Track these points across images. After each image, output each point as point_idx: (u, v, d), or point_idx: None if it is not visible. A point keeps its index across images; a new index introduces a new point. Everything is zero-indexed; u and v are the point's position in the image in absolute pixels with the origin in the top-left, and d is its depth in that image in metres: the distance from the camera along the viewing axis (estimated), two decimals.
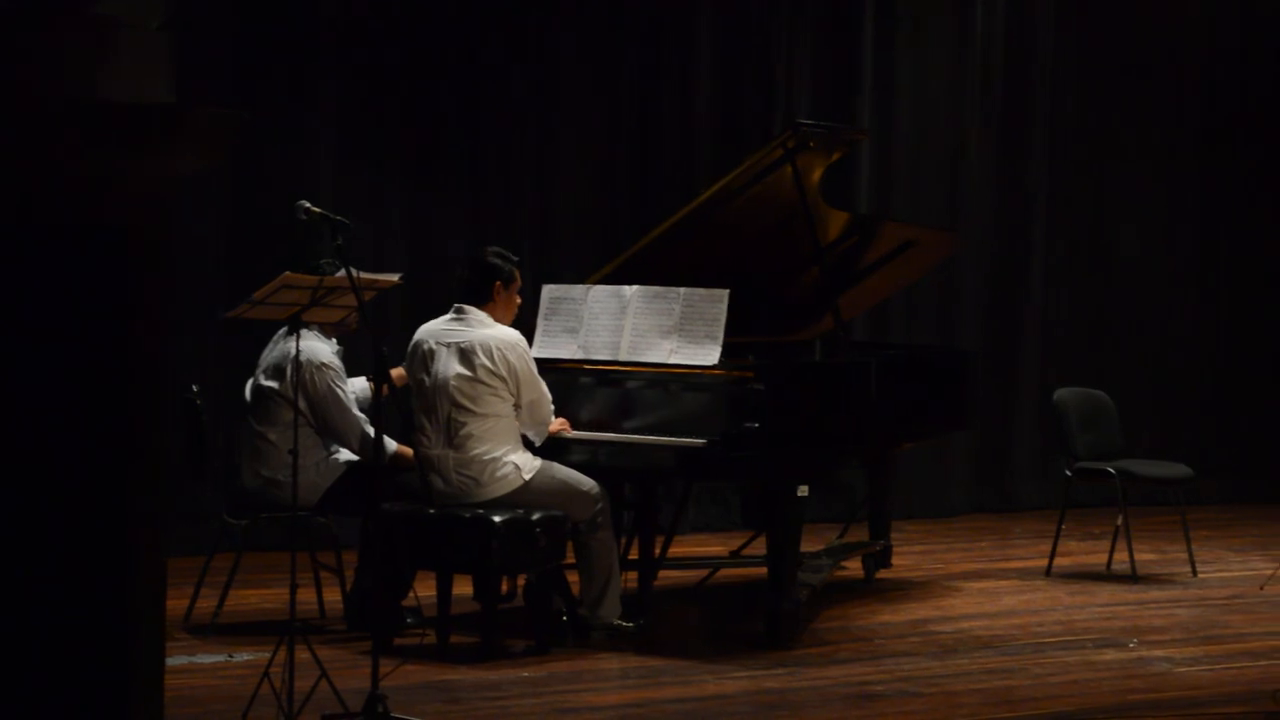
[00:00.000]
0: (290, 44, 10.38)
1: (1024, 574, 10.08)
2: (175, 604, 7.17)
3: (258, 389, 8.00)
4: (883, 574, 9.76)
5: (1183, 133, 13.34)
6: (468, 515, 7.48)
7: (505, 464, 7.61)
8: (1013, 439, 12.80)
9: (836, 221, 8.88)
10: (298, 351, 6.79)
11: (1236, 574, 10.18)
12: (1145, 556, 10.29)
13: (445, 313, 7.80)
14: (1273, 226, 13.27)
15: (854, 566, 9.65)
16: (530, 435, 7.78)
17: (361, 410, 7.95)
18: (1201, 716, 6.83)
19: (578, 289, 8.34)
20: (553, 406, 7.83)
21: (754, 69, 11.79)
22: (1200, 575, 10.03)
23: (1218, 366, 13.39)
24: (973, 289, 12.57)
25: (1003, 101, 12.69)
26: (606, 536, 7.81)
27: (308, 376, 7.71)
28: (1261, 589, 9.61)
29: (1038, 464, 12.61)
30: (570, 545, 7.80)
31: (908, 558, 10.37)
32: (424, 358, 7.72)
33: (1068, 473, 10.04)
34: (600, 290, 8.28)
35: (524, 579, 8.06)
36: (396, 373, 7.84)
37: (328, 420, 7.87)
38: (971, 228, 12.42)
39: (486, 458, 7.58)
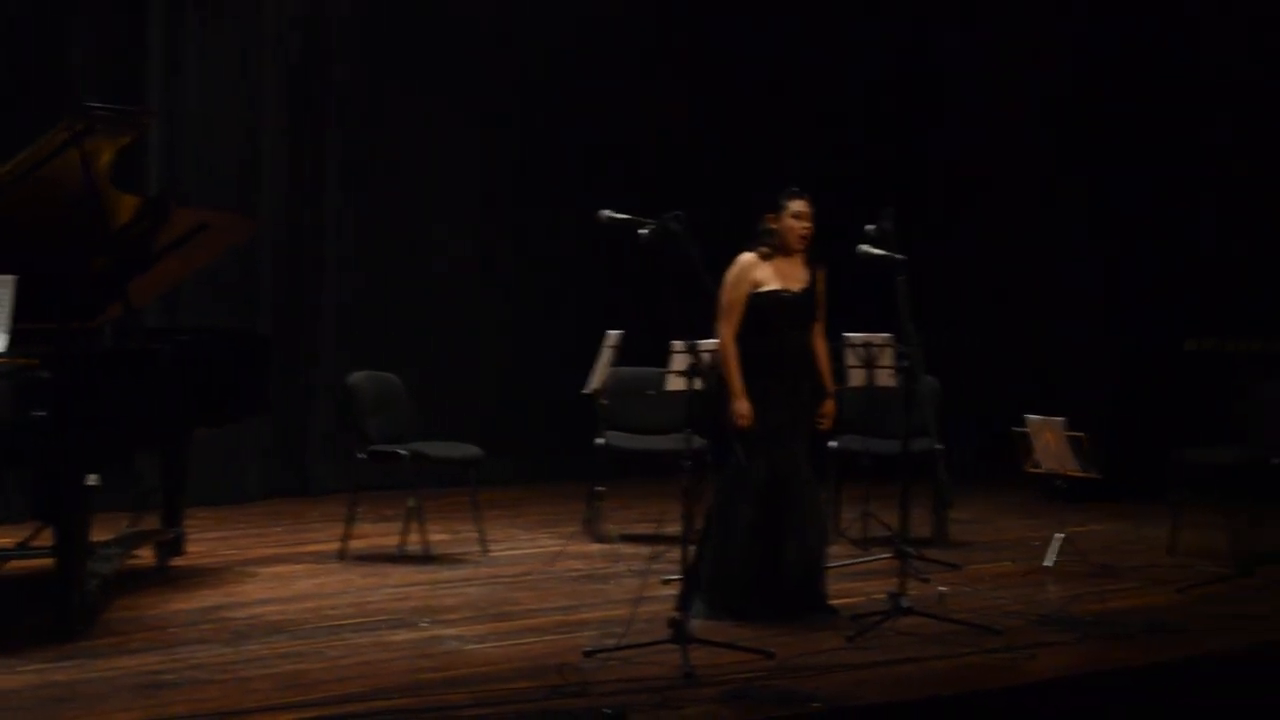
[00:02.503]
0: None
1: (318, 557, 10.13)
2: None
3: None
4: (176, 562, 9.67)
5: (473, 117, 13.64)
6: None
7: None
8: (307, 423, 12.86)
9: (127, 206, 8.73)
10: None
11: (525, 551, 10.49)
12: (438, 537, 10.52)
13: None
14: (556, 218, 13.70)
15: (147, 555, 9.53)
16: None
17: None
18: (492, 693, 6.97)
19: None
20: None
21: (39, 48, 11.44)
22: (491, 554, 10.29)
23: (506, 350, 13.74)
24: (267, 272, 12.55)
25: (295, 82, 12.70)
26: None
27: None
28: (549, 565, 9.93)
29: (332, 447, 12.68)
30: None
31: (202, 544, 10.28)
32: None
33: (361, 455, 10.15)
34: None
35: None
36: None
37: None
38: (265, 211, 12.40)
39: None
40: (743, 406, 8.34)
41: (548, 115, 13.91)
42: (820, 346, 8.72)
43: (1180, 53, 13.62)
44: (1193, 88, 13.59)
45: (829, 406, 8.76)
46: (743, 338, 8.43)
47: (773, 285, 8.46)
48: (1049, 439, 9.91)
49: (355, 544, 10.21)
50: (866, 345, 10.31)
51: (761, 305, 8.44)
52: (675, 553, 8.59)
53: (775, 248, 8.53)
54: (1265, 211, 13.09)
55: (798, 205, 8.54)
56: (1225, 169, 13.37)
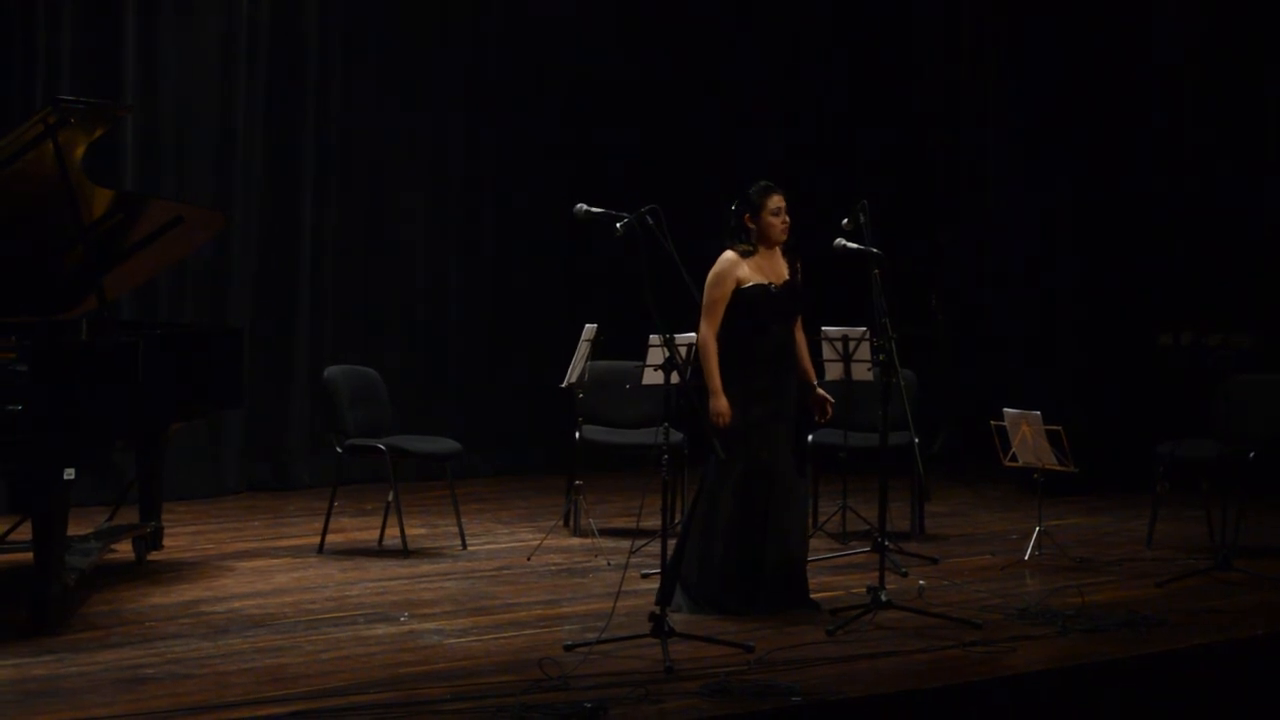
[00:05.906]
0: None
1: (297, 551, 10.09)
2: None
3: None
4: (154, 556, 9.64)
5: (450, 112, 13.61)
6: None
7: None
8: (285, 417, 12.80)
9: (101, 199, 8.71)
10: None
11: (505, 545, 10.46)
12: (416, 531, 10.51)
13: None
14: (533, 212, 13.69)
15: (125, 549, 9.51)
16: None
17: None
18: (472, 686, 6.96)
19: None
20: None
21: (13, 39, 11.39)
22: (470, 548, 10.26)
23: (484, 344, 13.72)
24: (242, 266, 12.49)
25: (271, 77, 12.65)
26: None
27: None
28: (528, 560, 9.91)
29: (310, 441, 12.66)
30: None
31: (180, 539, 10.26)
32: None
33: (339, 449, 10.12)
34: None
35: None
36: None
37: None
38: (241, 205, 12.36)
39: None
40: (721, 404, 8.29)
41: (526, 109, 13.89)
42: (801, 339, 8.71)
43: (1153, 50, 13.70)
44: (1160, 83, 13.64)
45: (825, 399, 8.72)
46: (726, 333, 8.39)
47: (756, 280, 8.43)
48: (1026, 432, 9.91)
49: (334, 538, 10.20)
50: (844, 339, 10.31)
51: (747, 300, 8.39)
52: (655, 547, 8.58)
53: (754, 245, 8.50)
54: (1235, 205, 13.12)
55: (775, 201, 8.50)
56: (1197, 163, 13.40)
